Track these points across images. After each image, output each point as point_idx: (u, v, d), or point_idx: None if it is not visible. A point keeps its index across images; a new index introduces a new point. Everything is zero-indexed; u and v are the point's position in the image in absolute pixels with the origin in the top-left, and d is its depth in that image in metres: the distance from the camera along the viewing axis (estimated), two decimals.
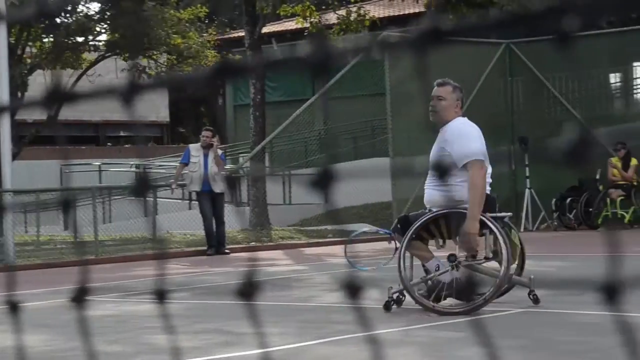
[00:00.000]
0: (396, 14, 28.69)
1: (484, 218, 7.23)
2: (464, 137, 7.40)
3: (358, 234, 8.00)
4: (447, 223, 7.34)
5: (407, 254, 7.52)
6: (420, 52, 1.11)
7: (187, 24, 21.20)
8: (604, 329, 6.17)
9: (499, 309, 7.30)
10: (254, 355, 5.87)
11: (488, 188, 7.43)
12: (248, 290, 1.50)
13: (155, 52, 21.31)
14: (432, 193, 7.48)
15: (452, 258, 7.30)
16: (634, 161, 19.47)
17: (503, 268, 7.17)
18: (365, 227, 8.11)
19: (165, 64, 21.75)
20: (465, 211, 7.16)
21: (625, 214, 19.15)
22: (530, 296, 7.41)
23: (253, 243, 18.14)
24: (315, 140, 27.60)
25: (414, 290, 7.32)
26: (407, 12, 28.36)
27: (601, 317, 6.74)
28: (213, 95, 35.92)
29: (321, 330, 6.70)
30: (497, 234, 7.21)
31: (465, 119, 7.66)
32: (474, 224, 7.09)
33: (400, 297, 7.59)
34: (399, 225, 7.51)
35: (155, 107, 38.85)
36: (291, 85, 29.75)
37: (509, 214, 7.89)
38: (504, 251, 7.16)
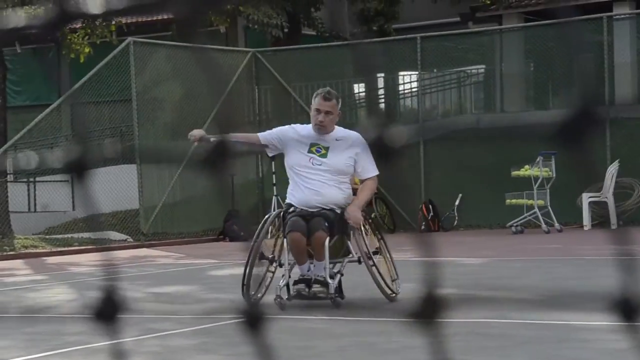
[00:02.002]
0: (144, 19, 28.43)
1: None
2: (368, 153, 7.73)
3: None
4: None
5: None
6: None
7: None
8: (328, 334, 6.37)
9: (227, 317, 7.37)
10: None
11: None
12: None
13: None
14: (335, 193, 7.80)
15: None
16: None
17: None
18: None
19: None
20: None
21: None
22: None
23: None
24: (62, 146, 26.94)
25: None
26: (155, 18, 28.16)
27: (327, 322, 6.96)
28: None
29: (50, 342, 6.55)
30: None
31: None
32: (359, 210, 7.78)
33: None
34: (326, 224, 7.63)
35: None
36: (36, 89, 28.93)
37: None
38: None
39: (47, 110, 20.46)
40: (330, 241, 7.70)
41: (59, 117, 24.24)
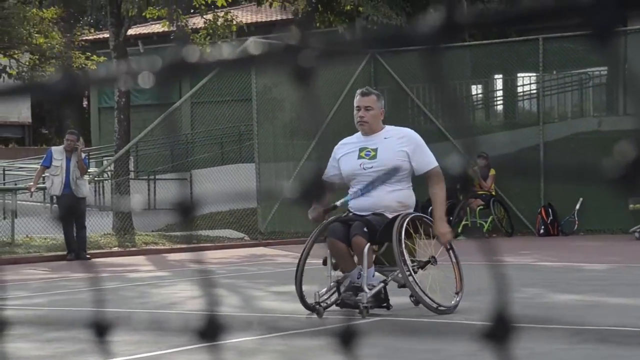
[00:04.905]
0: (264, 20, 28.74)
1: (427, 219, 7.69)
2: (423, 146, 7.67)
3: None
4: (415, 225, 7.53)
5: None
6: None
7: (50, 24, 20.78)
8: (456, 336, 6.30)
9: (354, 317, 7.36)
10: None
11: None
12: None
13: (16, 52, 20.86)
14: (384, 195, 7.57)
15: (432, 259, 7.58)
16: (492, 171, 19.98)
17: (458, 270, 7.64)
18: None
19: (27, 63, 21.28)
20: (424, 216, 7.70)
21: (484, 223, 19.62)
22: (412, 299, 7.59)
23: (115, 248, 17.89)
24: (181, 145, 27.40)
25: (425, 293, 7.35)
26: (274, 18, 28.44)
27: (454, 325, 6.89)
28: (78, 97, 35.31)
29: (178, 338, 6.64)
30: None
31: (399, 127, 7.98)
32: (445, 224, 7.47)
33: (320, 306, 7.46)
34: (365, 229, 7.39)
35: (17, 108, 37.93)
36: (157, 89, 29.43)
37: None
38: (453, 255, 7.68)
39: (170, 109, 20.81)
40: (380, 249, 7.47)
41: (179, 117, 24.65)
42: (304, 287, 7.60)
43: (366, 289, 7.33)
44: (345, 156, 7.73)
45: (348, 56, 1.06)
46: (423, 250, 7.60)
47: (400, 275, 7.44)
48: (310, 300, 7.56)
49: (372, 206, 7.56)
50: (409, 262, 7.34)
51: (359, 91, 7.84)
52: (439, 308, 7.35)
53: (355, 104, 7.75)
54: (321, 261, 7.73)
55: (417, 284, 7.34)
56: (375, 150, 7.59)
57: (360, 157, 7.64)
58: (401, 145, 7.55)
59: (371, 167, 7.57)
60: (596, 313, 7.30)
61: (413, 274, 7.36)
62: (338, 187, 7.98)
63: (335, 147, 7.97)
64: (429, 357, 5.68)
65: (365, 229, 7.38)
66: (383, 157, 7.56)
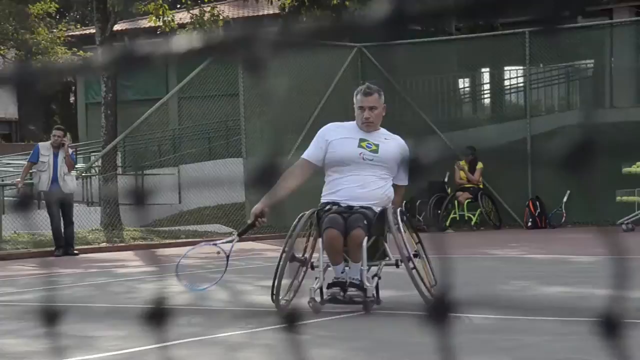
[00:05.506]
0: (251, 14, 28.71)
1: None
2: (406, 162, 7.68)
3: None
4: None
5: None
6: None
7: (36, 19, 20.72)
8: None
9: (340, 311, 7.37)
10: (95, 359, 5.78)
11: None
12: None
13: (2, 48, 20.81)
14: (378, 189, 7.57)
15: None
16: (480, 165, 20.00)
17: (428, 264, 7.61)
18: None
19: (13, 59, 21.22)
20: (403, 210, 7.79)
21: (472, 216, 19.65)
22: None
23: (103, 244, 17.86)
24: (168, 140, 27.37)
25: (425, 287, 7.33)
26: (261, 13, 28.40)
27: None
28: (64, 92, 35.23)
29: (165, 333, 6.63)
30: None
31: None
32: None
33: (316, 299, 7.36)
34: (365, 222, 7.35)
35: (3, 104, 37.81)
36: (145, 84, 29.41)
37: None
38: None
39: (157, 105, 20.76)
40: (367, 242, 7.38)
41: (166, 112, 24.61)
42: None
43: (366, 283, 7.32)
44: (342, 140, 7.66)
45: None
46: (409, 243, 7.60)
47: (366, 268, 7.44)
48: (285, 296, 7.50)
49: (365, 197, 7.54)
50: (411, 254, 7.35)
51: (360, 90, 7.75)
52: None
53: (357, 104, 7.67)
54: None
55: (419, 275, 7.34)
56: (377, 146, 7.60)
57: (360, 146, 7.61)
58: (398, 151, 7.61)
59: (371, 160, 7.56)
60: (583, 305, 7.32)
61: (415, 265, 7.36)
62: (314, 171, 7.85)
63: (324, 129, 7.83)
64: (418, 350, 5.69)
65: (365, 222, 7.36)
66: (384, 155, 7.59)
